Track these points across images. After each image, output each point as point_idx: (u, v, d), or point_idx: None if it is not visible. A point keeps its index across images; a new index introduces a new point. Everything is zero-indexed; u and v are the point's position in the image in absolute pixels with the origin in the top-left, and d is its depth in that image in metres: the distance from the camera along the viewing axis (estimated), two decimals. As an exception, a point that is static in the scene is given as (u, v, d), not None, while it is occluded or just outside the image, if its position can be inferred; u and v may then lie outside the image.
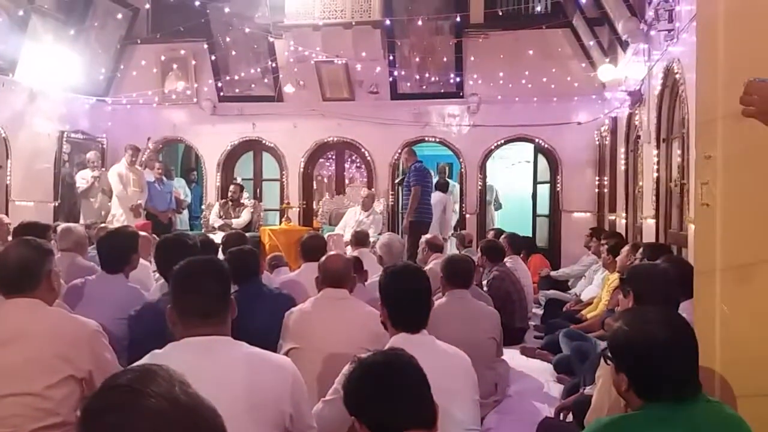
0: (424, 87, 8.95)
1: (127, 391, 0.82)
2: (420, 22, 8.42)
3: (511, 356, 4.46)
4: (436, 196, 8.03)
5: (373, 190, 9.04)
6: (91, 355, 2.15)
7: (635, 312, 1.86)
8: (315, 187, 10.16)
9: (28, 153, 8.21)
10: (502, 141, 9.01)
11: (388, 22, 8.41)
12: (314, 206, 9.73)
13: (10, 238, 5.79)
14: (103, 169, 8.49)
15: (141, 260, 4.52)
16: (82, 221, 7.58)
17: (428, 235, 5.99)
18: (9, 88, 7.82)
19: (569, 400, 3.28)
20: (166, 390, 0.82)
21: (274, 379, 1.81)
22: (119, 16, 8.96)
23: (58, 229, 4.64)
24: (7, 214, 7.08)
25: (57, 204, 8.52)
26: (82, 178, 8.18)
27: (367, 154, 9.40)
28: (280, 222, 9.10)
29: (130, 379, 0.84)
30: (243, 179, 9.54)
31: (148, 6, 9.07)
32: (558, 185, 8.88)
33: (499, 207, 10.62)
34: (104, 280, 3.23)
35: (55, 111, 8.56)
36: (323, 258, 3.01)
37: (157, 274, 4.49)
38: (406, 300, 2.32)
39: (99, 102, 9.32)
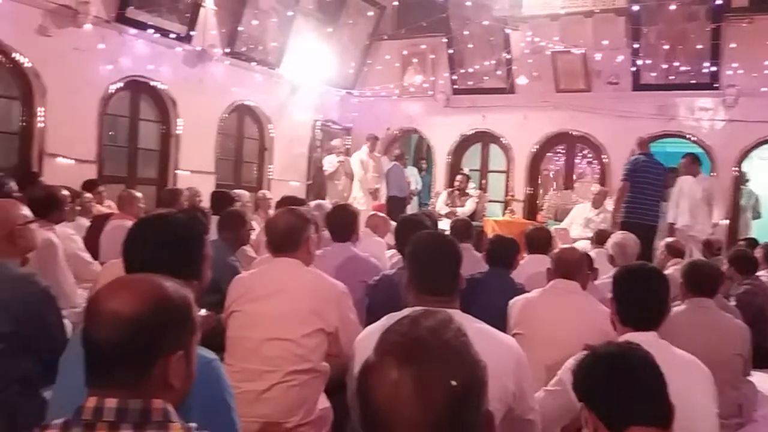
0: (672, 77, 8.21)
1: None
2: (672, 7, 7.74)
3: (761, 379, 3.95)
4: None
5: (605, 186, 8.59)
6: (339, 313, 2.42)
7: None
8: (541, 180, 9.97)
9: (288, 139, 9.37)
10: (764, 139, 7.92)
11: (635, 8, 7.89)
12: (539, 200, 9.57)
13: (271, 211, 6.71)
14: (347, 156, 9.32)
15: (376, 237, 4.95)
16: (327, 200, 8.45)
17: (669, 239, 5.56)
18: (275, 80, 8.98)
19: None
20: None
21: (499, 355, 1.87)
22: (369, 14, 9.70)
23: (311, 204, 5.24)
24: (269, 190, 8.20)
25: (309, 184, 9.62)
26: (329, 163, 9.09)
27: (600, 148, 8.96)
28: (504, 214, 9.13)
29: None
30: (470, 170, 9.73)
31: (396, 3, 9.66)
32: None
33: (757, 216, 9.24)
34: (334, 248, 3.57)
35: (311, 102, 9.61)
36: (557, 249, 2.99)
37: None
38: (638, 297, 2.19)
39: (347, 94, 10.23)
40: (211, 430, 1.17)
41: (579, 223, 7.85)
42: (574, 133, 9.12)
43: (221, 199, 5.42)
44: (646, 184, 6.46)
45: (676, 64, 8.08)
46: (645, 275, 2.29)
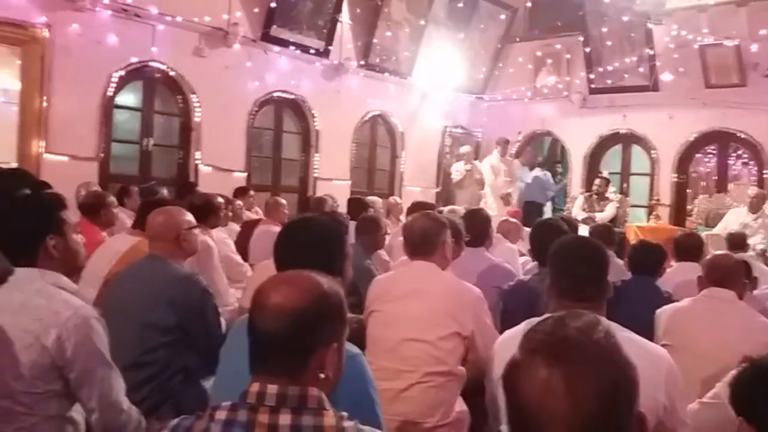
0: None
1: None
2: None
3: None
4: None
5: (763, 189, 7.82)
6: (474, 317, 2.44)
7: None
8: (689, 183, 9.27)
9: (418, 145, 9.51)
10: None
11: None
12: (687, 205, 8.90)
13: (402, 216, 6.85)
14: (476, 161, 9.25)
15: (508, 243, 4.89)
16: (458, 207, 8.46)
17: None
18: (406, 89, 9.16)
19: None
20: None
21: (649, 365, 1.77)
22: (501, 17, 9.60)
23: (443, 210, 5.28)
24: (399, 196, 8.38)
25: (438, 190, 9.69)
26: (456, 170, 9.05)
27: (758, 148, 8.18)
28: (648, 219, 8.60)
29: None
30: (609, 173, 9.28)
31: (529, 4, 9.47)
32: None
33: None
34: (468, 253, 3.55)
35: (440, 108, 9.68)
36: (710, 255, 2.79)
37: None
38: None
39: (477, 99, 10.18)
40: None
41: (734, 228, 7.20)
42: (727, 131, 8.40)
43: (357, 205, 5.65)
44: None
45: None
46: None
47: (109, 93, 6.32)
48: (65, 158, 5.95)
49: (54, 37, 5.85)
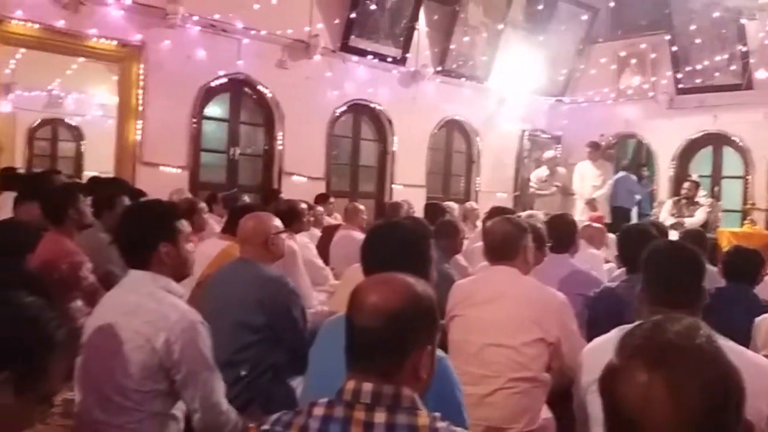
0: None
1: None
2: None
3: None
4: None
5: None
6: (559, 323, 2.39)
7: None
8: (789, 186, 8.69)
9: (495, 150, 9.42)
10: None
11: None
12: (787, 209, 8.34)
13: (478, 222, 6.80)
14: (558, 168, 9.02)
15: (592, 250, 4.76)
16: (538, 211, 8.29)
17: None
18: (483, 93, 9.10)
19: None
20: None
21: (752, 375, 1.67)
22: (583, 17, 9.37)
23: (522, 215, 5.20)
24: (476, 202, 8.31)
25: (516, 195, 9.55)
26: (537, 177, 8.87)
27: None
28: (742, 224, 8.13)
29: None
30: (699, 176, 8.83)
31: (612, 4, 9.19)
32: None
33: None
34: (552, 259, 3.47)
35: (518, 112, 9.54)
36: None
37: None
38: None
39: (557, 102, 9.97)
40: (444, 424, 1.24)
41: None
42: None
43: (434, 211, 5.65)
44: None
45: None
46: None
47: (199, 105, 6.64)
48: (158, 167, 6.30)
49: (148, 53, 6.21)
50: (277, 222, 2.85)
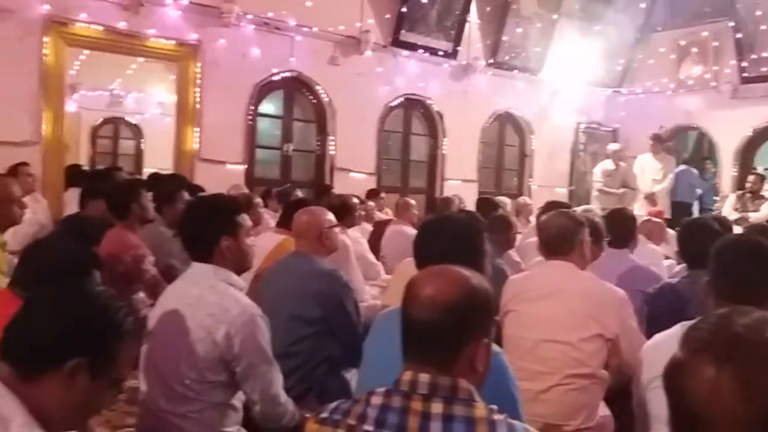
0: None
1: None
2: None
3: None
4: None
5: None
6: (618, 319, 2.34)
7: None
8: None
9: (549, 144, 9.24)
10: None
11: None
12: None
13: (531, 218, 6.70)
14: (620, 162, 8.71)
15: (651, 245, 4.62)
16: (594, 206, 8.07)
17: None
18: (536, 85, 8.94)
19: None
20: None
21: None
22: (642, 5, 9.08)
23: (577, 210, 5.09)
24: (529, 196, 8.19)
25: (572, 189, 9.36)
26: (603, 171, 8.45)
27: None
28: (811, 219, 7.74)
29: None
30: (765, 169, 8.46)
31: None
32: None
33: None
34: (610, 254, 3.39)
35: (573, 104, 9.33)
36: None
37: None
38: None
39: (614, 93, 9.70)
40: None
41: None
42: None
43: (486, 205, 5.60)
44: None
45: None
46: None
47: (253, 102, 6.77)
48: (215, 164, 6.46)
49: (204, 52, 6.37)
50: (331, 216, 2.88)
